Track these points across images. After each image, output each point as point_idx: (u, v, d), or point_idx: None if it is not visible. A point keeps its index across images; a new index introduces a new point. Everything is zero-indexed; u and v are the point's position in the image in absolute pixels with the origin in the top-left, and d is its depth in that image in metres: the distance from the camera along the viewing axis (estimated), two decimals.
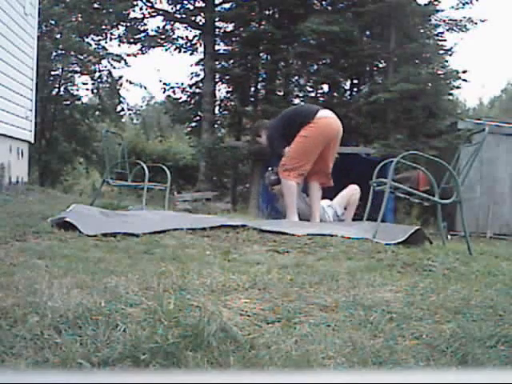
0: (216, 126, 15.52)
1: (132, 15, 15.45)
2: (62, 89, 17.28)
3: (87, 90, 17.77)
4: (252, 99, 15.19)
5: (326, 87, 15.36)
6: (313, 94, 15.58)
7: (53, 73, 16.47)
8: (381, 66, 14.68)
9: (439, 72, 13.42)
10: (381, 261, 2.99)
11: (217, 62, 14.77)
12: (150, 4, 15.37)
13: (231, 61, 15.15)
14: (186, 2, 15.43)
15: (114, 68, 16.94)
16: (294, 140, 4.64)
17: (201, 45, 15.66)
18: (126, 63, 16.68)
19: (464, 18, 13.78)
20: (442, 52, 14.08)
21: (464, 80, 12.86)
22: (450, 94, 14.22)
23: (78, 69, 16.80)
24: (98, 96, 17.91)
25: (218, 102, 15.40)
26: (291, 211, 4.65)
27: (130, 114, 21.13)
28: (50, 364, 1.35)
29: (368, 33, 14.62)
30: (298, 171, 4.63)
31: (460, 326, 1.75)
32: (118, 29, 15.53)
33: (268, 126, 5.07)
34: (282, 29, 13.34)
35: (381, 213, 3.80)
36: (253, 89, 15.28)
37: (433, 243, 3.69)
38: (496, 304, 2.06)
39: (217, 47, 15.20)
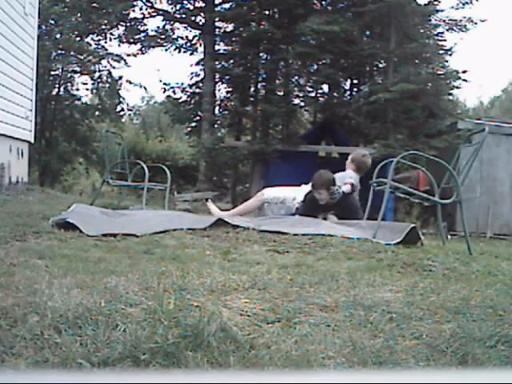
0: (216, 126, 15.51)
1: (132, 15, 15.44)
2: (61, 89, 17.28)
3: (87, 89, 17.78)
4: (252, 99, 15.19)
5: (325, 87, 15.36)
6: (313, 94, 15.58)
7: (53, 73, 16.46)
8: (381, 66, 14.68)
9: (439, 72, 13.41)
10: (381, 261, 2.99)
11: (217, 62, 14.76)
12: (149, 4, 15.37)
13: (231, 61, 15.14)
14: (185, 2, 15.41)
15: (114, 68, 16.95)
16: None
17: (201, 45, 15.66)
18: (125, 63, 16.69)
19: (464, 18, 13.78)
20: (441, 52, 14.07)
21: (464, 80, 12.85)
22: (450, 94, 14.21)
23: (77, 69, 16.78)
24: (97, 96, 17.90)
25: (217, 102, 15.39)
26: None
27: (129, 114, 21.12)
28: (50, 364, 1.35)
29: (368, 33, 14.61)
30: None
31: (460, 326, 1.75)
32: (118, 29, 15.52)
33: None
34: (281, 29, 13.33)
35: (381, 213, 3.80)
36: (253, 89, 15.27)
37: (424, 244, 3.69)
38: (496, 304, 2.06)
39: (217, 47, 15.20)
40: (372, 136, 13.30)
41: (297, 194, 5.09)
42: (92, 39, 15.96)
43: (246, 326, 1.66)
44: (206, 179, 14.23)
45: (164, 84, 15.76)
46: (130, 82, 17.44)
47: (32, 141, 7.52)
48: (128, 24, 15.42)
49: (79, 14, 14.93)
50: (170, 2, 15.36)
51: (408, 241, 3.62)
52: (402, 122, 12.58)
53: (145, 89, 24.39)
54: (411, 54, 12.93)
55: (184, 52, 16.04)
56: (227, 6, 14.93)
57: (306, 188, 5.12)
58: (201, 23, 15.26)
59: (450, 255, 3.36)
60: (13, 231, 3.28)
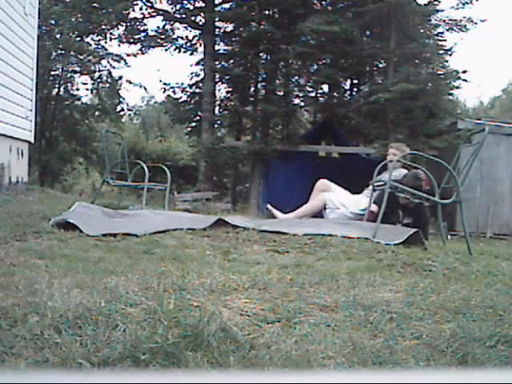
0: (216, 126, 15.50)
1: (132, 15, 15.41)
2: (61, 89, 17.28)
3: (87, 89, 17.77)
4: (252, 99, 15.18)
5: (325, 87, 15.36)
6: (313, 94, 15.58)
7: (53, 73, 16.46)
8: (381, 66, 14.66)
9: (439, 72, 13.39)
10: (381, 261, 2.99)
11: (217, 62, 14.75)
12: (149, 4, 15.35)
13: (231, 61, 15.13)
14: (185, 2, 15.40)
15: (114, 68, 16.95)
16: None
17: (201, 45, 15.65)
18: (125, 63, 16.68)
19: (464, 18, 13.75)
20: (442, 52, 14.05)
21: (464, 80, 12.84)
22: (450, 94, 14.19)
23: (77, 69, 16.79)
24: (97, 96, 17.91)
25: (218, 102, 15.39)
26: None
27: (129, 114, 21.13)
28: (50, 364, 1.35)
29: (368, 33, 14.59)
30: None
31: (460, 326, 1.75)
32: (118, 29, 15.49)
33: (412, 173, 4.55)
34: (282, 29, 13.32)
35: (381, 213, 3.80)
36: (253, 89, 15.26)
37: (427, 249, 3.67)
38: (496, 304, 2.06)
39: (217, 47, 15.18)
40: (372, 136, 13.28)
41: (352, 203, 4.92)
42: (92, 39, 15.95)
43: (246, 326, 1.66)
44: (205, 179, 14.22)
45: (164, 84, 15.75)
46: (130, 82, 17.45)
47: (32, 141, 7.52)
48: (128, 24, 15.40)
49: (79, 14, 14.92)
50: (170, 1, 15.35)
51: (412, 242, 3.61)
52: (402, 122, 12.57)
53: (145, 89, 24.46)
54: (411, 53, 12.92)
55: (184, 52, 16.04)
56: (227, 5, 14.91)
57: (362, 199, 4.91)
58: (201, 23, 15.25)
59: (449, 255, 3.36)
60: (13, 231, 3.28)
